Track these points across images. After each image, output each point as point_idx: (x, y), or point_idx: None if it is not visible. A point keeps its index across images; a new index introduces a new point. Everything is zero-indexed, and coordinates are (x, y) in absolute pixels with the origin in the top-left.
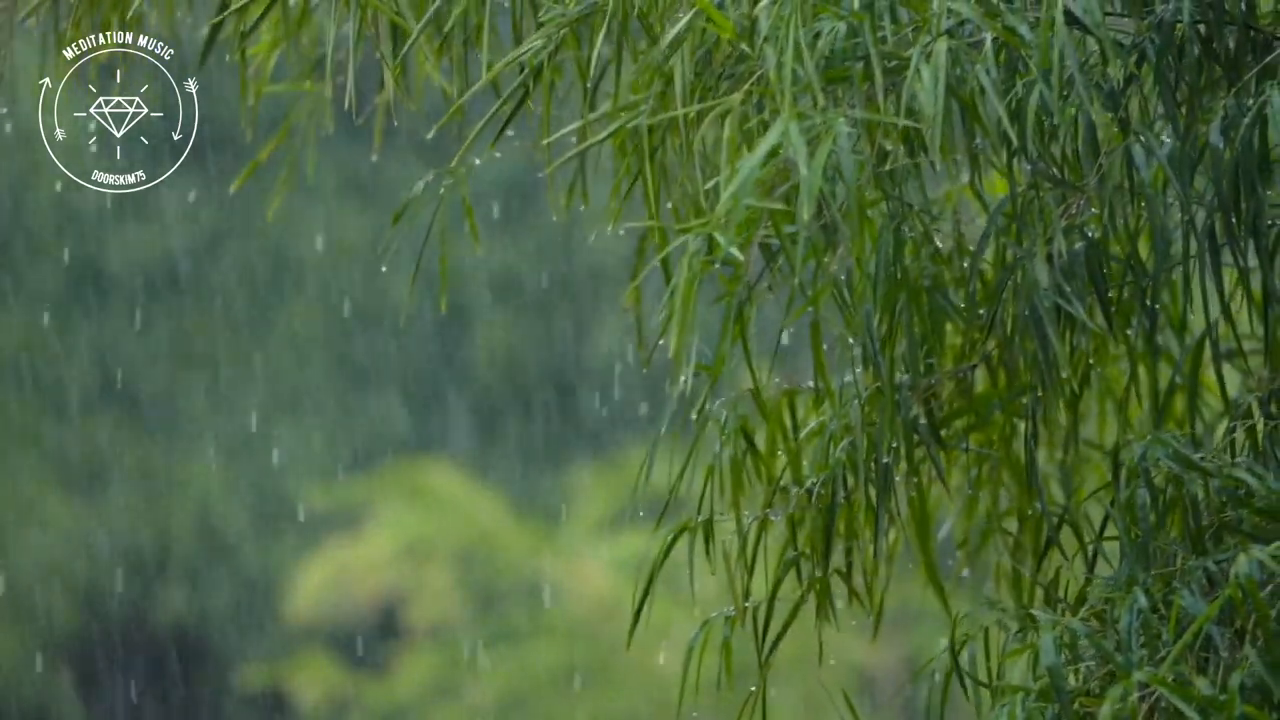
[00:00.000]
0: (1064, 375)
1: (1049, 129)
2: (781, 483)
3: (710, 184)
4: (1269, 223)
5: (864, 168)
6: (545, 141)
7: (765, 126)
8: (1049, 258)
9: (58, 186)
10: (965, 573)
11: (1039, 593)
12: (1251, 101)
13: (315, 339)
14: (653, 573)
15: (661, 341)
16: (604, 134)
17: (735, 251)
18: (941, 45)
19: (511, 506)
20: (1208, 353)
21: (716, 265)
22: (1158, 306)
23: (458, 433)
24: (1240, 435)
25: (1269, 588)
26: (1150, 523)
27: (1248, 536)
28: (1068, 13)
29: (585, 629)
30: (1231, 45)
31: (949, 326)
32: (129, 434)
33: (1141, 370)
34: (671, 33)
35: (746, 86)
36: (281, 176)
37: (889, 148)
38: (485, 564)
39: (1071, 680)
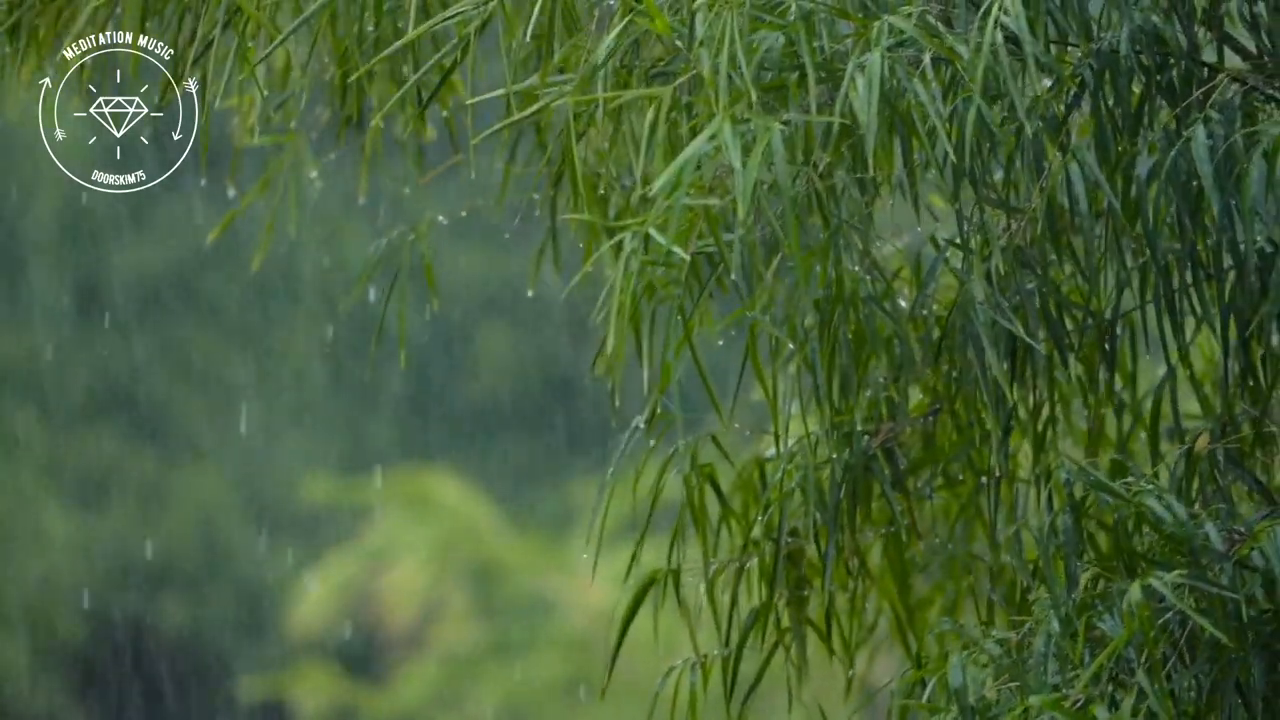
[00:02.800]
0: (1009, 397)
1: (989, 149)
2: (751, 534)
3: (645, 189)
4: (1226, 265)
5: (801, 169)
6: (470, 102)
7: (695, 131)
8: (987, 275)
9: (60, 195)
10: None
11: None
12: (1185, 131)
13: (317, 349)
14: (624, 626)
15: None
16: (529, 110)
17: (679, 250)
18: (877, 54)
19: (513, 518)
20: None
21: (659, 268)
22: (1107, 347)
23: (459, 444)
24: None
25: (1170, 613)
26: (1075, 547)
27: (1154, 564)
28: (1012, 37)
29: (587, 641)
30: (1175, 77)
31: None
32: (130, 445)
33: (1097, 408)
34: (610, 36)
35: (676, 84)
36: (266, 226)
37: (826, 159)
38: (487, 575)
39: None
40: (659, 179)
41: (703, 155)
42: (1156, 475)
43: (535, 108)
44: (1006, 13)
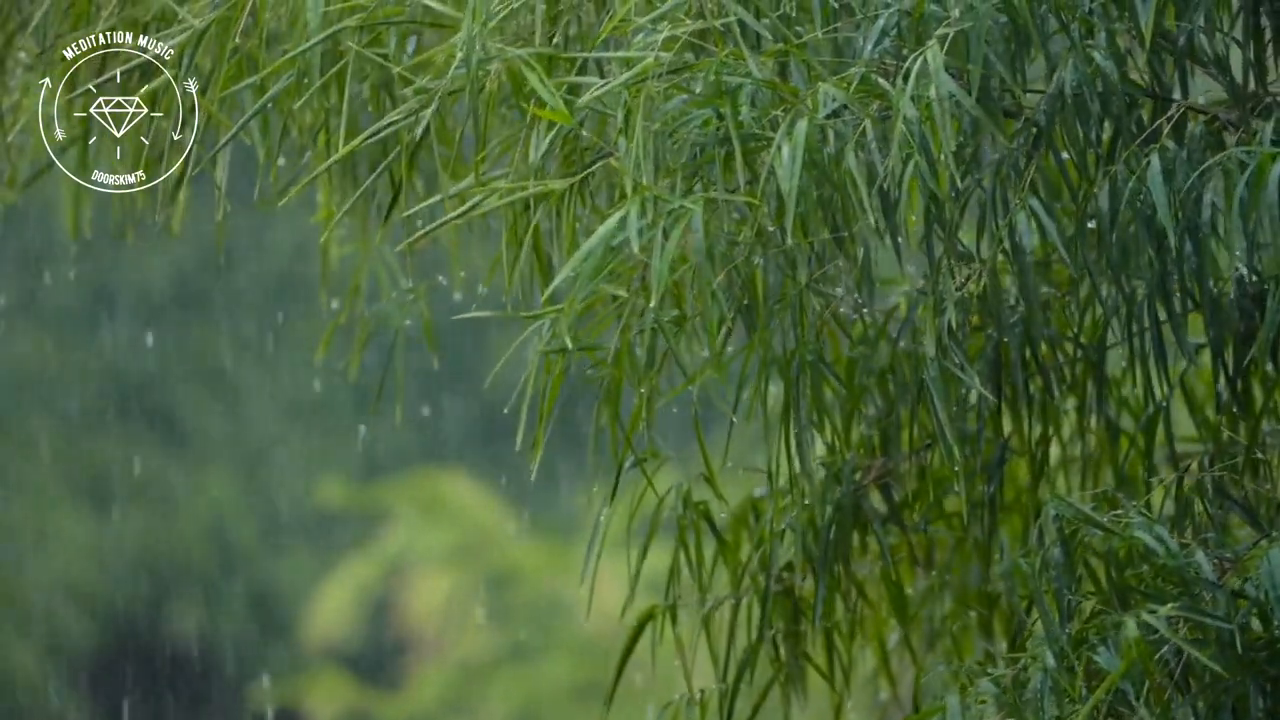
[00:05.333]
0: (955, 451)
1: (946, 201)
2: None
3: (561, 275)
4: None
5: (735, 242)
6: (405, 214)
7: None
8: (938, 329)
9: (72, 199)
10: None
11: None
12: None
13: (331, 351)
14: (622, 661)
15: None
16: (459, 211)
17: (568, 340)
18: (802, 124)
19: (526, 521)
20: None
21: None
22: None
23: (471, 447)
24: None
25: (1168, 645)
26: (1065, 580)
27: (1147, 597)
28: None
29: (599, 645)
30: (1144, 116)
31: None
32: (143, 449)
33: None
34: (548, 136)
35: (582, 174)
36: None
37: (770, 228)
38: (499, 579)
39: None
40: (564, 268)
41: (611, 241)
42: (1148, 504)
43: (464, 210)
44: (929, 64)
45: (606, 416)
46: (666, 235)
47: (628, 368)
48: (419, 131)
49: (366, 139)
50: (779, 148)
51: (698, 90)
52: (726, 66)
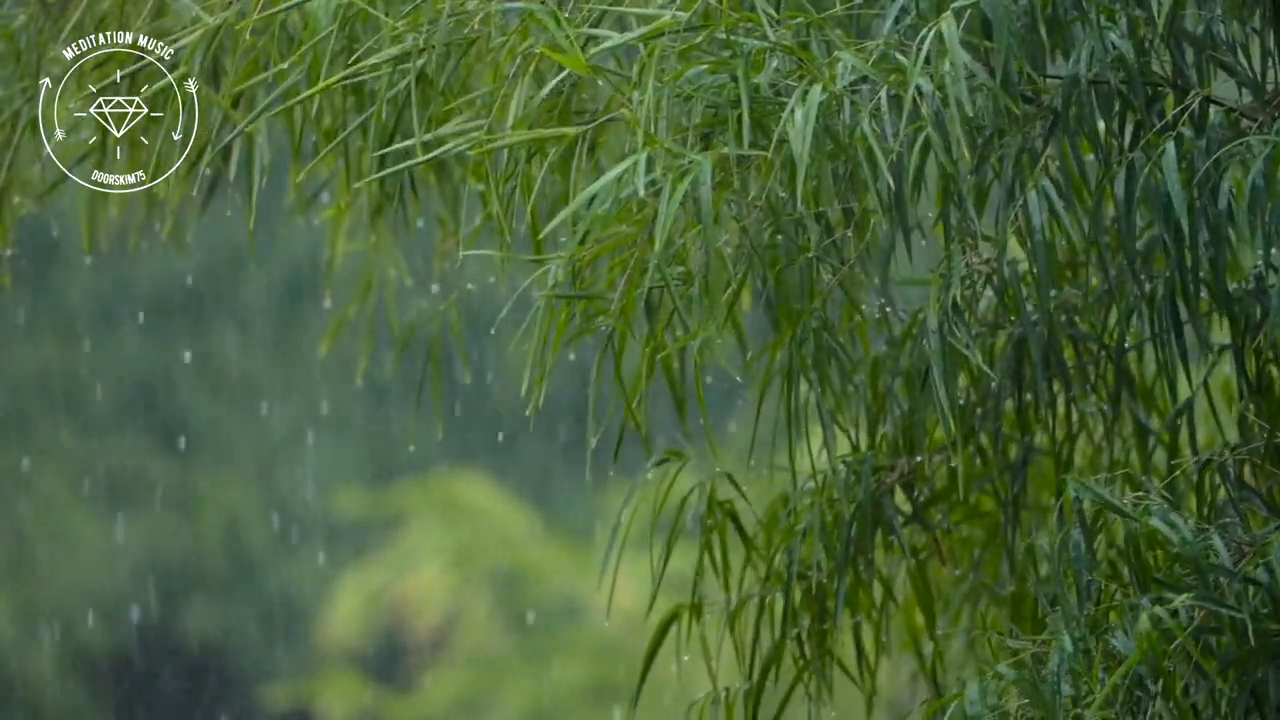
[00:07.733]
0: (953, 427)
1: (956, 181)
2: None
3: (563, 215)
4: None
5: (721, 203)
6: (375, 155)
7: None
8: (943, 304)
9: (87, 199)
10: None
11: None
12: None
13: (344, 355)
14: (646, 663)
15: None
16: (430, 155)
17: (561, 279)
18: (816, 88)
19: (543, 522)
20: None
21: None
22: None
23: (488, 449)
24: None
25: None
26: (1085, 562)
27: (1163, 585)
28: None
29: (615, 646)
30: (1165, 106)
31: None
32: (158, 452)
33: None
34: (549, 85)
35: (593, 124)
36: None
37: (782, 194)
38: (516, 580)
39: None
40: (566, 209)
41: (619, 192)
42: (1170, 487)
43: (434, 154)
44: (942, 40)
45: (608, 374)
46: (675, 185)
47: (633, 323)
48: (405, 84)
49: (341, 80)
50: (792, 111)
51: (714, 54)
52: (742, 28)
